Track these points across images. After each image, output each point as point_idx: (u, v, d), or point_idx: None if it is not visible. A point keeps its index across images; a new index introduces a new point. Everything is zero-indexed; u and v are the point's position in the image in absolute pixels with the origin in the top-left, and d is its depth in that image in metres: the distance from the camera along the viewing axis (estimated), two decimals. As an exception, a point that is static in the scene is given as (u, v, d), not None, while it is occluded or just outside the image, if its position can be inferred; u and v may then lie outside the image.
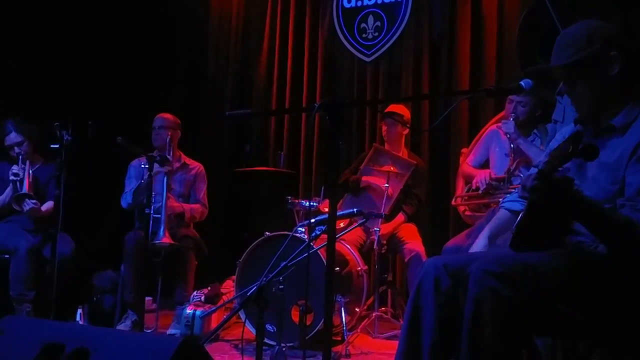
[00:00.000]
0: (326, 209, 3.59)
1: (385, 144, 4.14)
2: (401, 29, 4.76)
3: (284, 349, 2.87)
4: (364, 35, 4.91)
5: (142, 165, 3.70)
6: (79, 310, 3.58)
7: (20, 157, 3.79)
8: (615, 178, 1.79)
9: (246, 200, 5.16)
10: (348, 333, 3.37)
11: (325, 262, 3.18)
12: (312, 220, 2.53)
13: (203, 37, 5.53)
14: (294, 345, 3.21)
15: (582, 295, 1.71)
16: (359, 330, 3.57)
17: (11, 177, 3.73)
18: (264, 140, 5.26)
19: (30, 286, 3.56)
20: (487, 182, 3.30)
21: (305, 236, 3.31)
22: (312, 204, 3.73)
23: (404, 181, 3.90)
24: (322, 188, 3.88)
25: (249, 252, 3.49)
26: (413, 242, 3.82)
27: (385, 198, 3.72)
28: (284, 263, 2.40)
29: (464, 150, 3.82)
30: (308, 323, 3.10)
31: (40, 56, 4.56)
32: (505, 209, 2.18)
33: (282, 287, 2.77)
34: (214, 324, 3.60)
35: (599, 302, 1.71)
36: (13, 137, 3.84)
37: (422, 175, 4.09)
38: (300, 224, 3.54)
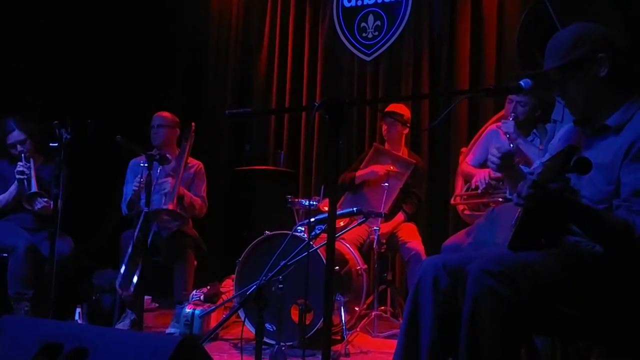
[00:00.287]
0: (326, 208, 3.59)
1: (386, 144, 4.14)
2: (401, 28, 4.76)
3: (283, 348, 2.87)
4: (364, 35, 4.91)
5: (142, 164, 3.70)
6: (78, 310, 3.58)
7: (23, 155, 3.79)
8: (610, 178, 1.79)
9: (246, 200, 5.16)
10: (347, 332, 3.37)
11: (324, 261, 3.19)
12: (312, 220, 2.53)
13: (203, 36, 5.53)
14: (294, 344, 3.21)
15: (580, 294, 1.71)
16: (358, 329, 3.57)
17: (17, 176, 3.72)
18: (264, 139, 5.26)
19: (28, 285, 3.56)
20: (487, 181, 3.29)
21: (305, 235, 3.31)
22: (311, 203, 3.73)
23: (403, 180, 3.90)
24: (322, 187, 3.88)
25: (248, 251, 3.49)
26: (413, 241, 3.82)
27: (384, 197, 3.71)
28: (284, 262, 2.40)
29: (463, 149, 3.82)
30: (307, 322, 3.10)
31: (39, 55, 4.56)
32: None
33: (281, 286, 2.77)
34: (213, 323, 3.60)
35: (596, 300, 1.71)
36: (16, 135, 3.84)
37: (422, 174, 4.09)
38: (300, 223, 3.54)
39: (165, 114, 4.05)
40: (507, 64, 4.29)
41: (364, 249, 3.95)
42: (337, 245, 3.54)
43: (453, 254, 2.63)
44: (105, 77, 4.82)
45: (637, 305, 1.73)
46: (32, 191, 3.69)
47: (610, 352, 1.84)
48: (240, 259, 3.49)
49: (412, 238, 3.86)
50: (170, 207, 3.63)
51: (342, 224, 3.53)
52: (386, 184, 3.72)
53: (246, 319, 3.26)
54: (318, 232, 2.76)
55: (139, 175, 3.74)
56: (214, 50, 5.52)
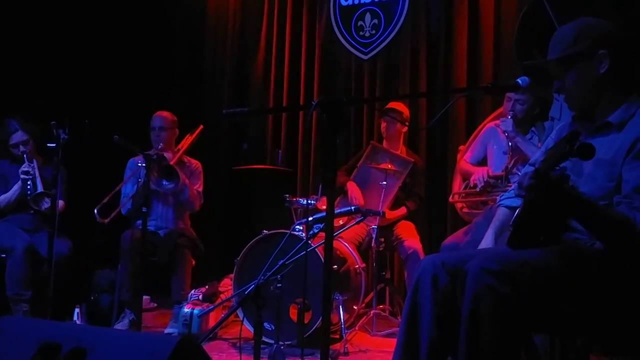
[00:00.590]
0: (324, 207, 3.59)
1: (384, 141, 4.14)
2: (398, 26, 4.76)
3: (282, 347, 2.86)
4: (361, 33, 4.91)
5: (139, 164, 3.70)
6: (77, 310, 3.57)
7: (26, 155, 3.78)
8: (611, 175, 1.79)
9: (244, 199, 5.16)
10: (346, 331, 3.37)
11: (323, 260, 3.19)
12: (310, 218, 2.52)
13: (200, 35, 5.52)
14: (292, 343, 3.21)
15: (579, 291, 1.71)
16: (357, 328, 3.57)
17: (22, 176, 3.72)
18: (262, 138, 5.25)
19: (27, 286, 3.55)
20: (485, 179, 3.30)
21: (303, 234, 3.31)
22: (309, 202, 3.73)
23: (402, 179, 3.90)
24: (320, 186, 3.88)
25: (246, 250, 3.48)
26: (411, 239, 3.83)
27: (382, 195, 3.71)
28: (282, 261, 2.39)
29: (461, 147, 3.82)
30: (306, 321, 3.10)
31: (36, 55, 4.55)
32: (504, 207, 2.18)
33: (280, 285, 2.76)
34: (211, 323, 3.60)
35: (596, 298, 1.71)
36: (19, 136, 3.84)
37: (420, 173, 4.10)
38: (298, 222, 3.54)
39: (165, 114, 4.05)
40: (505, 62, 4.29)
41: (362, 248, 3.96)
42: (336, 244, 3.54)
43: (452, 252, 2.63)
44: (102, 77, 4.81)
45: (636, 302, 1.73)
46: (38, 191, 3.69)
47: (609, 349, 1.85)
48: (238, 258, 3.49)
49: (410, 236, 3.86)
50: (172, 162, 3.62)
51: (340, 222, 3.53)
52: (384, 183, 3.72)
53: (245, 319, 3.26)
54: (316, 231, 2.76)
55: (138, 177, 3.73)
56: (211, 50, 5.52)
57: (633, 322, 1.74)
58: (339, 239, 3.65)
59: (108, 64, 4.86)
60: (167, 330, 3.63)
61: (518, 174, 3.11)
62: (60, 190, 3.35)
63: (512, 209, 2.13)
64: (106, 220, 3.61)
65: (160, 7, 5.34)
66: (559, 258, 1.74)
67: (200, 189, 4.04)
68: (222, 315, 3.47)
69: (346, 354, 3.23)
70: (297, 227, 3.39)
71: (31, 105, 4.19)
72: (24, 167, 3.72)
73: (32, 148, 3.86)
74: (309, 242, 2.67)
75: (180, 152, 3.94)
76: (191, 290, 3.77)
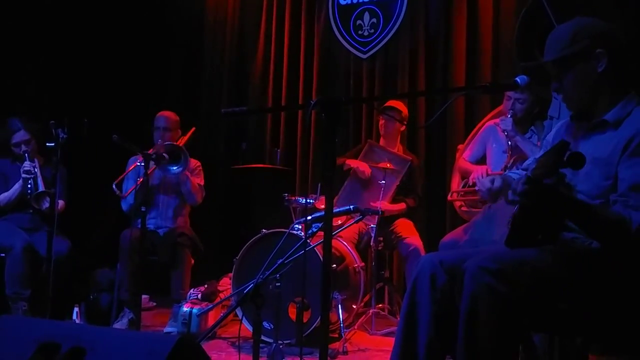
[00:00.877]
0: (322, 207, 3.59)
1: (381, 139, 4.14)
2: (397, 25, 4.76)
3: (281, 346, 2.86)
4: (359, 32, 4.91)
5: (139, 163, 3.70)
6: (76, 309, 3.57)
7: (27, 154, 3.78)
8: (608, 173, 1.80)
9: (243, 198, 5.16)
10: (345, 330, 3.38)
11: (322, 259, 3.19)
12: (309, 218, 2.52)
13: (199, 34, 5.52)
14: (291, 342, 3.21)
15: (577, 290, 1.71)
16: (356, 327, 3.57)
17: (24, 175, 3.72)
18: (261, 137, 5.25)
19: (26, 285, 3.55)
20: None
21: (302, 233, 3.31)
22: (308, 201, 3.73)
23: (400, 177, 3.90)
24: (319, 185, 3.88)
25: (245, 249, 3.48)
26: (411, 237, 3.83)
27: (381, 194, 3.71)
28: (281, 260, 2.40)
29: (459, 146, 3.82)
30: (305, 320, 3.10)
31: (35, 55, 4.55)
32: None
33: (278, 284, 2.76)
34: (210, 322, 3.60)
35: (594, 297, 1.72)
36: (22, 135, 3.84)
37: (418, 171, 4.10)
38: (297, 221, 3.54)
39: (169, 114, 4.06)
40: (504, 60, 4.29)
41: (361, 247, 3.95)
42: (334, 243, 3.54)
43: (450, 251, 2.63)
44: (101, 77, 4.81)
45: (634, 301, 1.74)
46: (40, 190, 3.69)
47: (607, 348, 1.85)
48: (237, 258, 3.49)
49: (410, 234, 3.86)
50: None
51: (339, 222, 3.53)
52: (383, 182, 3.72)
53: (244, 318, 3.26)
54: (315, 230, 2.76)
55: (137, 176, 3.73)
56: (210, 49, 5.51)
57: (631, 321, 1.74)
58: (338, 238, 3.65)
59: (107, 63, 4.86)
60: (166, 330, 3.63)
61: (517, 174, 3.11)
62: (59, 190, 3.36)
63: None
64: (124, 195, 3.62)
65: (159, 6, 5.33)
66: (556, 257, 1.74)
67: (202, 183, 4.05)
68: (221, 314, 3.46)
69: (345, 353, 3.23)
70: (296, 226, 3.39)
71: (32, 105, 4.18)
72: (26, 166, 3.73)
73: (34, 147, 3.86)
74: (308, 241, 2.67)
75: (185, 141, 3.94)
76: (190, 289, 3.77)
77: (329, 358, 2.75)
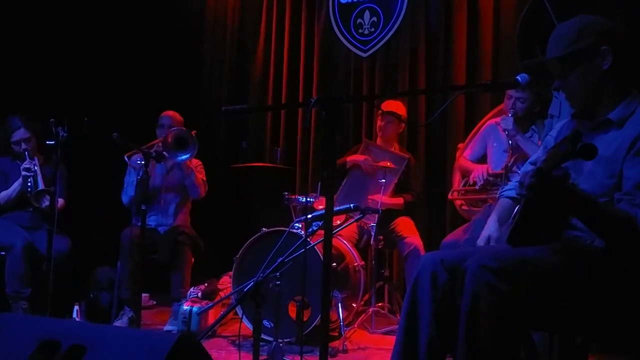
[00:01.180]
0: (321, 207, 3.59)
1: (378, 139, 4.14)
2: (397, 24, 4.76)
3: (281, 344, 2.86)
4: (360, 31, 4.91)
5: (139, 162, 3.70)
6: (76, 307, 3.58)
7: (27, 153, 3.78)
8: (612, 172, 1.79)
9: (243, 196, 5.16)
10: (345, 328, 3.38)
11: (322, 258, 3.19)
12: (309, 216, 2.52)
13: (198, 33, 5.51)
14: (291, 340, 3.21)
15: (578, 289, 1.71)
16: (356, 325, 3.57)
17: (24, 173, 3.72)
18: (261, 136, 5.25)
19: (26, 283, 3.55)
20: (485, 177, 3.30)
21: (302, 232, 3.31)
22: (308, 199, 3.73)
23: (398, 175, 3.90)
24: (319, 184, 3.88)
25: (245, 248, 3.49)
26: (411, 236, 3.83)
27: (382, 193, 3.71)
28: (281, 259, 2.40)
29: (460, 145, 3.82)
30: (305, 319, 3.10)
31: (35, 53, 4.54)
32: (506, 197, 2.17)
33: (278, 283, 2.76)
34: (211, 320, 3.60)
35: (595, 296, 1.71)
36: (22, 133, 3.84)
37: (414, 169, 4.10)
38: (297, 219, 3.54)
39: (174, 114, 4.07)
40: (504, 59, 4.29)
41: (361, 246, 3.95)
42: (334, 241, 3.54)
43: (451, 250, 2.64)
44: (101, 75, 4.81)
45: (636, 300, 1.73)
46: (40, 188, 3.69)
47: (608, 347, 1.85)
48: (237, 256, 3.49)
49: (410, 233, 3.86)
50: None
51: (338, 221, 3.52)
52: (383, 180, 3.72)
53: (244, 316, 3.26)
54: (315, 228, 2.76)
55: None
56: (210, 48, 5.51)
57: (632, 320, 1.74)
58: (338, 237, 3.65)
59: (107, 62, 4.85)
60: (166, 328, 3.64)
61: (518, 173, 3.11)
62: (59, 188, 3.36)
63: (514, 199, 2.12)
64: (136, 167, 3.59)
65: (159, 5, 5.33)
66: (558, 256, 1.74)
67: (204, 179, 4.05)
68: (222, 313, 3.46)
69: (345, 351, 3.23)
70: (296, 224, 3.39)
71: (32, 103, 4.18)
72: (26, 164, 3.73)
73: (34, 146, 3.86)
74: (308, 239, 2.67)
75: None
76: (190, 287, 3.78)
77: (329, 357, 2.75)
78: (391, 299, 4.02)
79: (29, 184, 3.70)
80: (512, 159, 3.22)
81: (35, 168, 3.74)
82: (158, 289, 4.16)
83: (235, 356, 3.09)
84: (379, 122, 4.11)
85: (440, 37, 4.60)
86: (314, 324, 3.20)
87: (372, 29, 4.86)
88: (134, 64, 4.99)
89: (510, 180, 3.17)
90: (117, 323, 3.64)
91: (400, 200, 3.97)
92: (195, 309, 3.53)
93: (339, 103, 1.64)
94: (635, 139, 1.76)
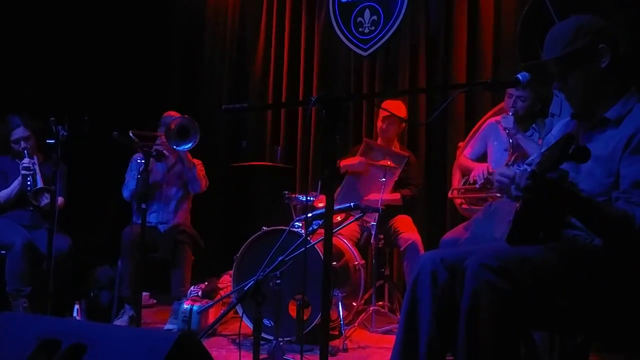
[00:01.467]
0: (321, 205, 3.59)
1: (379, 138, 4.14)
2: (398, 22, 4.75)
3: (281, 343, 2.86)
4: (360, 30, 4.90)
5: (139, 160, 3.70)
6: (76, 306, 3.58)
7: (26, 151, 3.78)
8: (610, 171, 1.79)
9: (243, 195, 5.16)
10: (345, 327, 3.38)
11: (322, 257, 3.18)
12: (309, 215, 2.52)
13: (199, 32, 5.51)
14: (292, 339, 3.21)
15: (578, 288, 1.71)
16: (356, 324, 3.57)
17: (23, 171, 3.72)
18: (261, 135, 5.25)
19: (26, 282, 3.55)
20: (485, 176, 3.29)
21: (303, 231, 3.31)
22: (309, 198, 3.73)
23: (397, 173, 3.90)
24: (319, 182, 3.87)
25: (246, 246, 3.49)
26: (408, 231, 3.83)
27: (382, 192, 3.71)
28: (281, 257, 2.39)
29: (460, 144, 3.82)
30: (305, 317, 3.10)
31: (34, 52, 4.54)
32: None
33: (279, 281, 2.76)
34: (211, 319, 3.60)
35: (595, 295, 1.71)
36: (21, 131, 3.84)
37: (415, 166, 4.10)
38: (297, 218, 3.54)
39: (175, 114, 4.06)
40: (505, 57, 4.29)
41: (361, 244, 3.95)
42: (335, 240, 3.54)
43: (451, 248, 2.63)
44: (101, 74, 4.80)
45: (635, 299, 1.73)
46: (38, 187, 3.69)
47: (608, 346, 1.85)
48: (237, 255, 3.49)
49: (407, 229, 3.86)
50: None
51: (339, 219, 3.52)
52: (383, 179, 3.72)
53: (244, 315, 3.26)
54: (315, 227, 2.76)
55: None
56: (210, 47, 5.50)
57: (632, 319, 1.74)
58: (338, 236, 3.65)
59: (107, 61, 4.85)
60: (166, 327, 3.64)
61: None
62: (59, 187, 3.36)
63: None
64: (119, 139, 3.53)
65: (160, 4, 5.32)
66: (558, 255, 1.74)
67: (205, 175, 4.06)
68: (222, 312, 3.47)
69: (345, 350, 3.23)
70: (297, 223, 3.39)
71: (32, 102, 4.18)
72: (25, 163, 3.73)
73: (33, 144, 3.86)
74: (308, 238, 2.67)
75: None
76: (191, 286, 3.78)
77: (329, 355, 2.75)
78: (391, 298, 4.02)
79: (29, 182, 3.70)
80: (513, 158, 3.22)
81: (34, 166, 3.74)
82: (158, 287, 4.16)
83: (235, 355, 3.09)
84: (379, 124, 4.11)
85: (440, 35, 4.59)
86: (314, 322, 3.20)
87: (373, 28, 4.85)
88: (135, 63, 4.99)
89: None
90: (118, 322, 3.64)
91: (397, 196, 3.96)
92: (195, 307, 3.53)
93: (339, 101, 1.64)
94: (631, 137, 1.76)
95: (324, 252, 1.64)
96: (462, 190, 3.51)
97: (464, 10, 4.48)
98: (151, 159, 3.34)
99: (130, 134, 3.52)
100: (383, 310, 3.84)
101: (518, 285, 1.63)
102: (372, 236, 3.67)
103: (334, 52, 5.01)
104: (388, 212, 3.91)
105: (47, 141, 3.26)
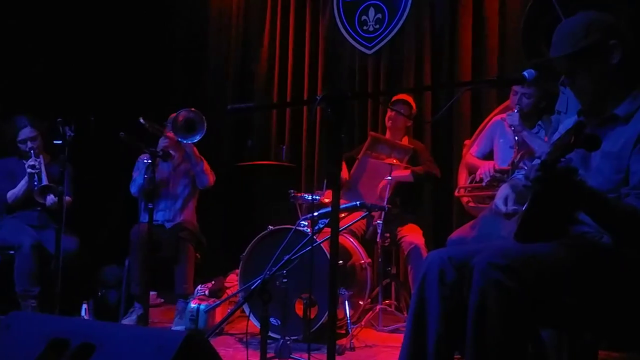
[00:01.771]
0: (327, 200, 3.58)
1: (387, 132, 4.13)
2: (402, 20, 4.74)
3: (288, 342, 2.87)
4: (365, 28, 4.90)
5: (145, 161, 3.71)
6: (84, 306, 3.59)
7: (33, 151, 3.80)
8: (619, 167, 1.78)
9: (248, 195, 5.16)
10: (352, 326, 3.38)
11: (328, 255, 3.19)
12: (315, 214, 2.52)
13: (203, 31, 5.51)
14: (299, 338, 3.21)
15: (587, 285, 1.70)
16: (363, 323, 3.57)
17: (29, 170, 3.74)
18: (266, 134, 5.25)
19: (35, 282, 3.58)
20: (491, 174, 3.29)
21: (308, 229, 3.31)
22: (314, 197, 3.73)
23: (403, 166, 3.89)
24: (324, 181, 3.87)
25: (252, 246, 3.49)
26: (411, 234, 3.80)
27: (387, 190, 3.70)
28: (287, 257, 2.40)
29: (466, 142, 3.81)
30: (312, 316, 3.11)
31: (41, 54, 4.56)
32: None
33: (285, 280, 2.77)
34: (218, 318, 3.61)
35: (604, 292, 1.71)
36: (28, 132, 3.86)
37: (425, 154, 4.06)
38: (303, 217, 3.54)
39: None
40: (510, 55, 4.27)
41: (367, 237, 3.89)
42: (341, 239, 3.54)
43: (458, 247, 2.63)
44: (106, 74, 4.82)
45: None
46: (43, 184, 3.70)
47: (617, 344, 1.84)
48: (243, 254, 3.50)
49: (411, 232, 3.83)
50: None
51: (342, 215, 3.51)
52: (389, 178, 3.71)
53: (251, 314, 3.27)
54: (321, 226, 2.76)
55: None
56: (215, 46, 5.51)
57: (640, 316, 1.73)
58: (344, 234, 3.65)
59: (112, 62, 4.86)
60: (173, 327, 3.64)
61: (524, 169, 3.10)
62: (67, 187, 3.37)
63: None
64: (148, 125, 3.62)
65: (164, 4, 5.33)
66: (566, 252, 1.73)
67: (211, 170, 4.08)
68: (229, 311, 3.48)
69: (352, 349, 3.23)
70: (302, 222, 3.39)
71: (39, 103, 4.19)
72: (30, 162, 3.75)
73: (40, 145, 3.88)
74: (314, 237, 2.67)
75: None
76: (197, 285, 3.79)
77: (336, 354, 2.76)
78: (398, 297, 4.02)
79: (35, 181, 3.72)
80: (519, 155, 3.21)
81: (40, 165, 3.75)
82: (164, 286, 4.17)
83: (242, 354, 3.09)
84: (389, 113, 4.09)
85: (445, 33, 4.58)
86: (321, 321, 3.21)
87: (377, 26, 4.85)
88: (139, 63, 5.00)
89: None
90: (126, 320, 3.65)
91: (406, 172, 3.88)
92: (202, 306, 3.54)
93: (344, 100, 1.64)
94: None
95: (330, 250, 1.64)
96: (469, 189, 3.51)
97: (469, 7, 4.46)
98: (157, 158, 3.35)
99: (141, 120, 3.50)
100: (390, 309, 3.83)
101: (526, 283, 1.62)
102: (378, 234, 3.66)
103: (339, 51, 5.01)
104: (397, 218, 3.88)
105: (54, 142, 3.27)
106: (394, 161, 3.76)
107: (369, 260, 3.72)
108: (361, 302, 3.62)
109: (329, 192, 3.63)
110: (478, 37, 4.44)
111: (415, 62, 4.66)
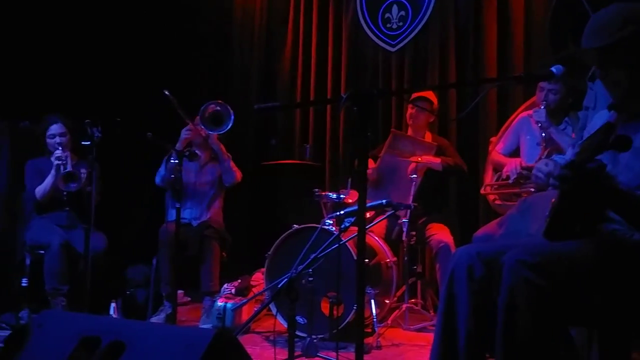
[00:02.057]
0: (351, 200, 3.58)
1: (409, 129, 4.10)
2: (426, 17, 4.71)
3: (315, 340, 2.87)
4: (388, 25, 4.87)
5: (172, 160, 3.74)
6: (113, 304, 3.64)
7: (61, 146, 3.86)
8: (649, 163, 1.75)
9: (273, 194, 5.18)
10: (378, 325, 3.37)
11: (353, 254, 3.18)
12: (342, 212, 2.52)
13: (227, 32, 5.54)
14: (325, 336, 3.21)
15: (617, 284, 1.68)
16: (389, 322, 3.55)
17: (55, 162, 3.79)
18: (290, 133, 5.26)
19: (64, 281, 3.64)
20: (518, 171, 3.25)
21: (334, 228, 3.31)
22: (339, 196, 3.72)
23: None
24: (349, 180, 3.86)
25: (277, 244, 3.51)
26: (441, 232, 3.77)
27: (412, 189, 3.68)
28: (314, 255, 2.40)
29: (492, 139, 3.77)
30: (338, 315, 3.10)
31: (67, 55, 4.64)
32: None
33: (311, 279, 2.77)
34: (244, 317, 3.63)
35: (635, 290, 1.68)
36: (58, 127, 3.92)
37: (450, 150, 4.02)
38: (328, 216, 3.54)
39: None
40: (536, 51, 4.21)
41: (393, 237, 3.88)
42: (366, 237, 3.52)
43: (487, 243, 2.60)
44: (132, 75, 4.88)
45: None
46: (67, 170, 3.75)
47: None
48: (269, 253, 3.51)
49: (440, 230, 3.81)
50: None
51: (367, 215, 3.50)
52: (414, 176, 3.69)
53: (278, 312, 3.28)
54: (347, 224, 2.76)
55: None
56: (238, 46, 5.53)
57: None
58: (370, 233, 3.63)
59: (138, 62, 4.92)
60: (201, 324, 3.68)
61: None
62: (94, 187, 3.42)
63: None
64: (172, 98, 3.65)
65: (187, 4, 5.38)
66: (596, 250, 1.71)
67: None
68: (255, 309, 3.50)
69: (379, 347, 3.22)
70: (328, 221, 3.39)
71: (68, 105, 4.26)
72: (57, 153, 3.81)
73: (68, 142, 3.93)
74: (340, 236, 2.67)
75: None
76: (223, 283, 3.81)
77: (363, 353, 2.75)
78: (424, 295, 3.99)
79: (62, 170, 3.78)
80: (546, 152, 3.17)
81: (67, 158, 3.81)
82: (190, 284, 4.21)
83: (269, 352, 3.11)
84: (409, 110, 4.06)
85: (469, 29, 4.53)
86: (347, 320, 3.20)
87: (401, 24, 4.82)
88: (164, 64, 5.05)
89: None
90: (154, 319, 3.70)
91: (437, 160, 3.83)
92: (229, 305, 3.57)
93: (371, 98, 1.63)
94: None
95: (357, 248, 1.63)
96: (495, 186, 3.47)
97: (493, 3, 4.41)
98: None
99: (166, 92, 3.55)
100: (416, 308, 3.80)
101: (555, 281, 1.61)
102: (404, 233, 3.64)
103: (362, 49, 4.99)
104: (423, 214, 3.86)
105: (82, 143, 3.32)
106: (419, 159, 3.73)
107: (395, 258, 3.70)
108: (387, 301, 3.61)
109: (353, 192, 3.62)
110: (503, 33, 4.38)
111: (439, 60, 4.62)
